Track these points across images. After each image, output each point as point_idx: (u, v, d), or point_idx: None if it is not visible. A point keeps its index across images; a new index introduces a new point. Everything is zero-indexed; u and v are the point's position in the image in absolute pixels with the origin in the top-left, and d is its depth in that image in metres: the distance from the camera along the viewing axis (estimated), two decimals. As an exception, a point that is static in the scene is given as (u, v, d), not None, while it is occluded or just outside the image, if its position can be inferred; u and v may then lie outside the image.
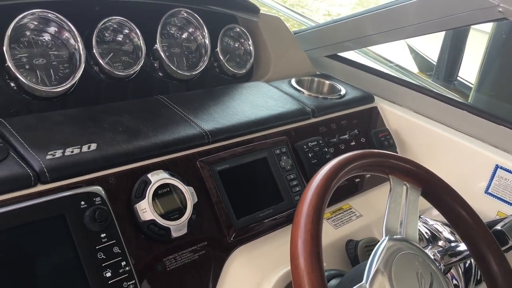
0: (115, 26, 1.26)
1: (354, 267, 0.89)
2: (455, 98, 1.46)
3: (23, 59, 1.11)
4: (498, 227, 1.05)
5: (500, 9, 1.15)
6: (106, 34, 1.25)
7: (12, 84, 1.08)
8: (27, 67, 1.11)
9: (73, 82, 1.13)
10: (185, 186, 0.96)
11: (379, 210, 1.27)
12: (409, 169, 0.90)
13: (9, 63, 1.04)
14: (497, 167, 1.28)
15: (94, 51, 1.19)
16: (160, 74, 1.34)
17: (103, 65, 1.20)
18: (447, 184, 0.93)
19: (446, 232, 1.24)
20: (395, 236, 0.84)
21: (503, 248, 0.95)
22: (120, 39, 1.27)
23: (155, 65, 1.34)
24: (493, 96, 1.87)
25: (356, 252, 1.11)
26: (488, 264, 0.91)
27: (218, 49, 1.44)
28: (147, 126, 1.04)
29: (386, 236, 0.84)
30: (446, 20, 1.32)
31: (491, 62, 1.95)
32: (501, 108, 1.88)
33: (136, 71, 1.26)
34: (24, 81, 1.06)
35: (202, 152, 1.05)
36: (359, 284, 0.75)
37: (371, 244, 1.13)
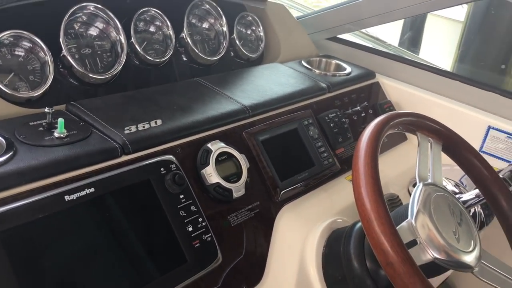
0: (147, 18, 1.36)
1: (394, 211, 1.05)
2: (447, 70, 1.64)
3: (73, 49, 1.20)
4: (500, 175, 1.24)
5: (489, -11, 1.33)
6: (140, 25, 1.36)
7: (66, 72, 1.17)
8: (76, 56, 1.21)
9: (119, 69, 1.24)
10: (239, 153, 1.10)
11: (390, 172, 1.45)
12: (433, 127, 1.07)
13: (65, 53, 1.14)
14: (489, 128, 1.47)
15: (133, 40, 1.29)
16: (185, 59, 1.46)
17: (140, 53, 1.31)
18: (464, 140, 1.10)
19: (450, 185, 1.43)
20: (426, 182, 1.00)
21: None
22: (152, 29, 1.38)
23: (181, 51, 1.45)
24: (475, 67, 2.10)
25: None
26: (500, 204, 1.08)
27: (234, 35, 1.57)
28: (197, 104, 1.17)
29: (420, 182, 0.99)
30: (438, 0, 1.50)
31: (470, 34, 2.17)
32: (481, 75, 2.11)
33: (167, 57, 1.37)
34: (78, 68, 1.16)
35: (246, 125, 1.19)
36: (406, 220, 0.91)
37: (393, 198, 1.30)
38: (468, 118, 1.52)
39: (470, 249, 0.92)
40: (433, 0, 1.54)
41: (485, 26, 2.06)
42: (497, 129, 1.45)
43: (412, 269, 0.77)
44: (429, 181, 1.02)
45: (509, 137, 1.43)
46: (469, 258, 0.91)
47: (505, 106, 1.47)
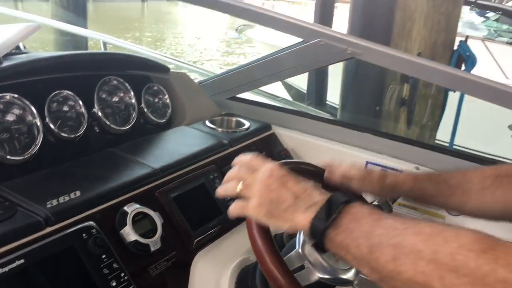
0: (60, 99, 1.51)
1: (287, 244, 1.25)
2: (330, 118, 1.93)
3: (-10, 136, 1.32)
4: (375, 202, 1.50)
5: (349, 51, 1.63)
6: (53, 106, 1.50)
7: (-15, 157, 1.29)
8: (-5, 142, 1.33)
9: (36, 149, 1.37)
10: (153, 212, 1.26)
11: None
12: (310, 170, 1.30)
13: (-15, 140, 1.27)
14: (367, 163, 1.75)
15: (48, 120, 1.43)
16: (99, 131, 1.62)
17: (55, 131, 1.45)
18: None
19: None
20: (310, 217, 1.22)
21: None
22: (65, 108, 1.53)
23: (94, 124, 1.61)
24: (354, 112, 2.46)
25: (283, 240, 1.47)
26: None
27: (142, 105, 1.75)
28: (112, 172, 1.33)
29: (304, 217, 1.21)
30: (312, 62, 1.79)
31: (347, 86, 2.53)
32: (361, 120, 2.46)
33: (82, 132, 1.52)
34: (-2, 153, 1.28)
35: (158, 185, 1.36)
36: (295, 250, 1.12)
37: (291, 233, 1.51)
38: (350, 156, 1.79)
39: (348, 267, 1.15)
40: (312, 62, 1.82)
41: (356, 77, 2.43)
42: (373, 163, 1.73)
43: (297, 289, 0.97)
44: (314, 215, 1.24)
45: (384, 169, 1.71)
46: (349, 275, 1.13)
47: (378, 144, 1.76)
